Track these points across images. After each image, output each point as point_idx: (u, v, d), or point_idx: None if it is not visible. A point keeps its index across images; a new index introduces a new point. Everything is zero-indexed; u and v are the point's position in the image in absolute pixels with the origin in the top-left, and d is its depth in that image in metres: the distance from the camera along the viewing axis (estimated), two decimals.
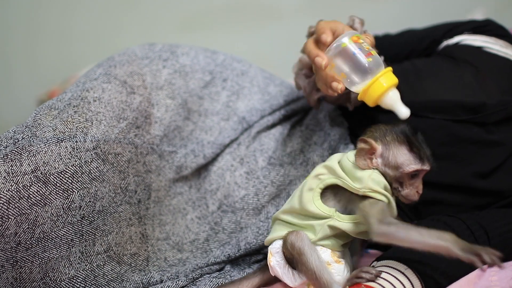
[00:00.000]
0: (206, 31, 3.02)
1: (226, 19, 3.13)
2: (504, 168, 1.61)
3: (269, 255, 1.39)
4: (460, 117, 1.64)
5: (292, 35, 2.84)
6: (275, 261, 1.37)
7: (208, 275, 1.52)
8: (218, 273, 1.54)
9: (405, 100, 1.68)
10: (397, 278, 1.28)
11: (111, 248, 1.45)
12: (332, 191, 1.35)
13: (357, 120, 1.70)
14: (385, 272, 1.29)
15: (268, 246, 1.41)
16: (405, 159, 1.31)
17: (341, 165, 1.35)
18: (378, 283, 1.26)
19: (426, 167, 1.32)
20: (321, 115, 1.72)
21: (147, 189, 1.52)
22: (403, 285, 1.27)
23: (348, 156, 1.35)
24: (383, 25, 2.49)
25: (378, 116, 1.67)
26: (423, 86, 1.72)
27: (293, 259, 1.34)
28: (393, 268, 1.30)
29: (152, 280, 1.48)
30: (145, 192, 1.52)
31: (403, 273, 1.29)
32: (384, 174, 1.32)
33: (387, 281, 1.27)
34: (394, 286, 1.26)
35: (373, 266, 1.34)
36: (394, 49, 1.89)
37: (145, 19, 3.08)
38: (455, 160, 1.59)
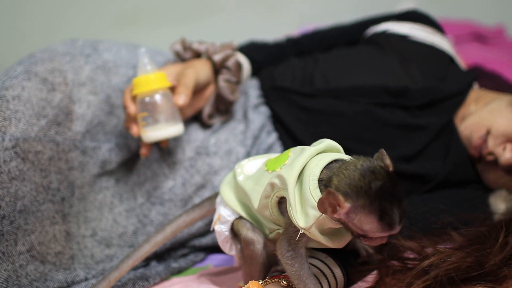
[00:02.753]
0: (144, 26, 3.01)
1: (165, 14, 3.12)
2: (427, 152, 1.66)
3: (216, 216, 1.35)
4: (384, 101, 1.67)
5: (232, 30, 2.85)
6: (219, 228, 1.33)
7: (134, 271, 1.52)
8: (143, 268, 1.54)
9: (331, 85, 1.72)
10: (316, 267, 1.29)
11: (34, 248, 1.43)
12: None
13: (281, 107, 1.72)
14: None
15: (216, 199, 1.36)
16: (372, 227, 1.10)
17: (299, 183, 1.18)
18: None
19: (394, 231, 1.11)
20: (246, 104, 1.73)
21: (71, 187, 1.51)
22: (322, 272, 1.28)
23: (311, 180, 1.16)
24: (315, 16, 2.52)
25: (301, 101, 1.70)
26: (349, 72, 1.75)
27: (239, 241, 1.31)
28: (313, 257, 1.31)
29: (77, 278, 1.47)
30: (68, 189, 1.50)
31: (323, 261, 1.30)
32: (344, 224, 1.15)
33: None
34: (314, 274, 1.27)
35: None
36: (325, 42, 1.92)
37: (79, 15, 3.04)
38: (380, 144, 1.61)
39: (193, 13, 3.09)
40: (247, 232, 1.29)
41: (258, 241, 1.29)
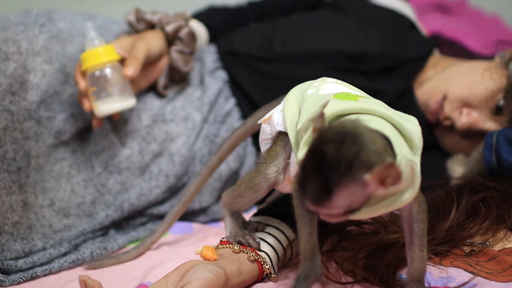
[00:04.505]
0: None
1: None
2: None
3: (269, 114, 1.24)
4: (342, 65, 1.67)
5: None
6: (266, 127, 1.23)
7: (92, 240, 1.52)
8: (102, 237, 1.54)
9: (289, 49, 1.71)
10: (270, 234, 1.29)
11: None
12: None
13: (239, 72, 1.71)
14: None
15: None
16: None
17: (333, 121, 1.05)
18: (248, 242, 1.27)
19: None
20: (202, 70, 1.73)
21: (27, 156, 1.49)
22: (276, 238, 1.29)
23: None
24: None
25: (259, 66, 1.70)
26: (308, 36, 1.75)
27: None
28: (268, 224, 1.32)
29: (34, 248, 1.46)
30: (24, 159, 1.49)
31: (277, 228, 1.31)
32: None
33: (260, 238, 1.28)
34: (267, 242, 1.28)
35: (249, 221, 1.35)
36: (286, 5, 1.92)
37: None
38: None
39: None
40: (271, 168, 1.20)
41: (269, 182, 1.21)
